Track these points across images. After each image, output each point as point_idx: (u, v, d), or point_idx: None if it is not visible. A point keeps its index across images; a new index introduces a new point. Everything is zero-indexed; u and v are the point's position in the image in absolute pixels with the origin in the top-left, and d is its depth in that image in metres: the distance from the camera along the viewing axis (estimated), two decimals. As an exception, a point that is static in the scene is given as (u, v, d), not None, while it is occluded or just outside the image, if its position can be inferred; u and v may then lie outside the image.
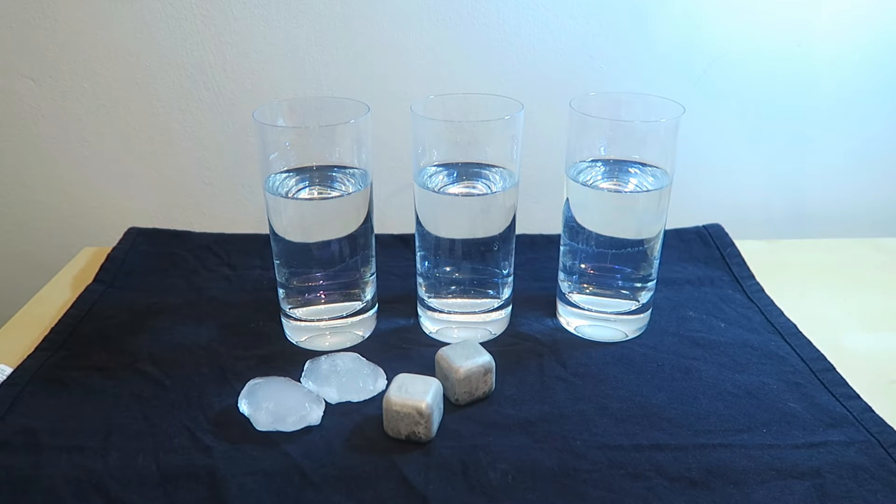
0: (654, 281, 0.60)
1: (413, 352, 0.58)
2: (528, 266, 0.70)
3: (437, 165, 0.57)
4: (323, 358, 0.55)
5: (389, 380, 0.52)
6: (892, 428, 0.49)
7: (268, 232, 0.58)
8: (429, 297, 0.60)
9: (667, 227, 0.59)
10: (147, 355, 0.58)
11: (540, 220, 0.76)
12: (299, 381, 0.53)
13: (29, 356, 0.57)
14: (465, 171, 0.56)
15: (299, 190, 0.56)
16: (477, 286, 0.59)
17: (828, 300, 0.66)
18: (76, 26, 0.72)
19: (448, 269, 0.58)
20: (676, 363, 0.57)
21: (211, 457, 0.47)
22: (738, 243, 0.73)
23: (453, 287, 0.59)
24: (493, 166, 0.56)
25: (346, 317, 0.59)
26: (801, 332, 0.60)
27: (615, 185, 0.57)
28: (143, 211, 0.81)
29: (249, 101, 0.76)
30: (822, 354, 0.57)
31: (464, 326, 0.60)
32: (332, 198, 0.56)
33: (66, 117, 0.76)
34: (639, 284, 0.59)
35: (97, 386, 0.54)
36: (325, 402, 0.52)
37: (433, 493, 0.45)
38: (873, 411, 0.51)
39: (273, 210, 0.56)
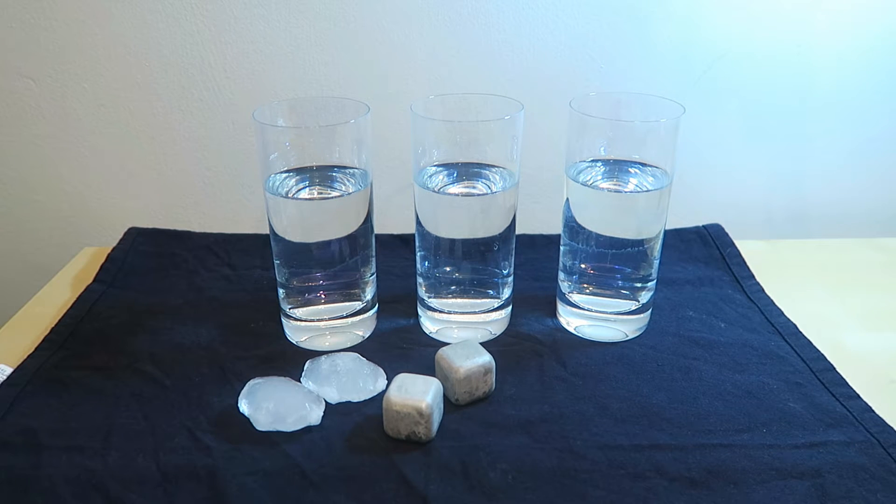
0: (654, 281, 0.60)
1: (413, 352, 0.58)
2: (528, 266, 0.70)
3: (437, 165, 0.57)
4: (323, 358, 0.55)
5: (389, 380, 0.52)
6: (892, 428, 0.49)
7: (268, 232, 0.58)
8: (429, 297, 0.60)
9: (667, 227, 0.59)
10: (147, 355, 0.58)
11: (540, 220, 0.76)
12: (299, 381, 0.53)
13: (29, 356, 0.57)
14: (465, 171, 0.56)
15: (299, 190, 0.56)
16: (477, 286, 0.59)
17: (828, 300, 0.66)
18: (76, 26, 0.72)
19: (448, 269, 0.58)
20: (676, 363, 0.57)
21: (211, 457, 0.47)
22: (738, 243, 0.73)
23: (453, 287, 0.59)
24: (493, 166, 0.56)
25: (346, 317, 0.59)
26: (801, 332, 0.60)
27: (615, 185, 0.57)
28: (143, 211, 0.81)
29: (249, 101, 0.76)
30: (822, 354, 0.57)
31: (464, 326, 0.60)
32: (332, 198, 0.56)
33: (66, 117, 0.76)
34: (639, 284, 0.59)
35: (97, 386, 0.54)
36: (325, 402, 0.52)
37: (433, 493, 0.45)
38: (873, 411, 0.51)
39: (273, 210, 0.56)
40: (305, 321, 0.59)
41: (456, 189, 0.56)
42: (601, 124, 0.56)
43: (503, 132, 0.55)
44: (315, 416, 0.50)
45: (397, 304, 0.64)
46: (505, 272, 0.59)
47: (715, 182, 0.82)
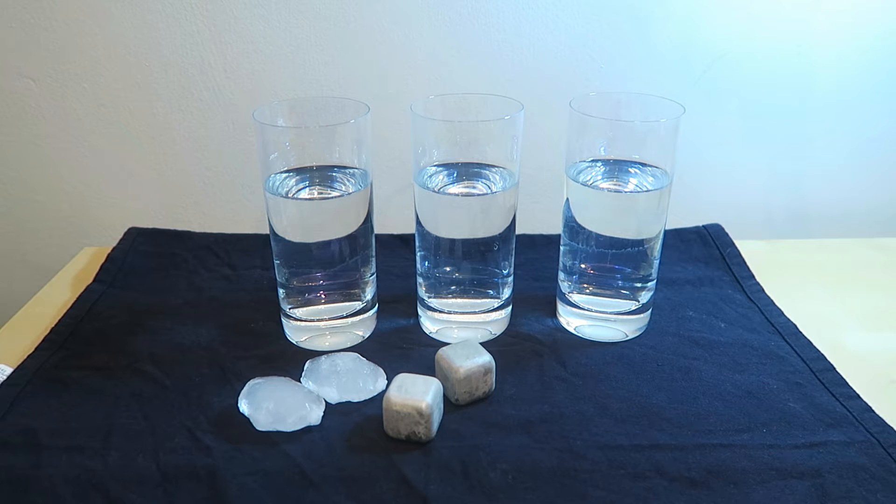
0: (654, 281, 0.60)
1: (413, 352, 0.58)
2: (528, 266, 0.70)
3: (437, 165, 0.57)
4: (323, 358, 0.55)
5: (389, 380, 0.52)
6: (892, 428, 0.49)
7: (268, 232, 0.58)
8: (429, 297, 0.60)
9: (667, 227, 0.59)
10: (147, 355, 0.58)
11: (540, 220, 0.76)
12: (299, 381, 0.53)
13: (29, 356, 0.57)
14: (465, 171, 0.56)
15: (299, 190, 0.56)
16: (477, 286, 0.59)
17: (828, 300, 0.66)
18: (76, 26, 0.72)
19: (448, 269, 0.58)
20: (676, 363, 0.57)
21: (211, 457, 0.47)
22: (738, 243, 0.73)
23: (453, 287, 0.59)
24: (493, 166, 0.56)
25: (346, 317, 0.59)
26: (801, 332, 0.60)
27: (615, 185, 0.57)
28: (144, 211, 0.81)
29: (249, 101, 0.76)
30: (822, 354, 0.57)
31: (464, 326, 0.60)
32: (332, 198, 0.56)
33: (66, 117, 0.76)
34: (639, 284, 0.59)
35: (97, 386, 0.54)
36: (325, 402, 0.52)
37: (433, 493, 0.45)
38: (873, 411, 0.51)
39: (273, 210, 0.56)
40: (305, 321, 0.59)
41: (456, 189, 0.56)
42: (601, 124, 0.56)
43: (503, 132, 0.55)
44: (315, 416, 0.50)
45: (397, 304, 0.64)
46: (505, 272, 0.59)
47: (715, 182, 0.82)
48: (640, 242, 0.57)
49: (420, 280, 0.60)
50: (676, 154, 0.56)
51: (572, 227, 0.58)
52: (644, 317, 0.61)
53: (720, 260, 0.72)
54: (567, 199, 0.58)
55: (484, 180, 0.56)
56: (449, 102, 0.58)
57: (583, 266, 0.59)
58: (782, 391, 0.53)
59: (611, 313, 0.59)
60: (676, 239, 0.74)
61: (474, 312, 0.60)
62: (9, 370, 0.55)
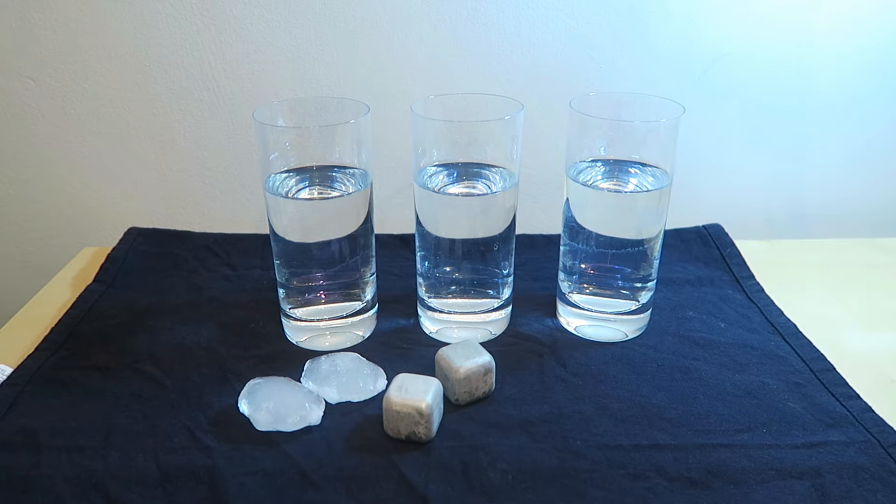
0: (654, 281, 0.60)
1: (413, 352, 0.58)
2: (528, 266, 0.70)
3: (437, 165, 0.57)
4: (323, 358, 0.55)
5: (389, 380, 0.52)
6: (892, 428, 0.49)
7: (268, 232, 0.58)
8: (429, 297, 0.60)
9: (667, 227, 0.59)
10: (147, 355, 0.58)
11: (540, 220, 0.76)
12: (299, 381, 0.53)
13: (29, 356, 0.57)
14: (465, 171, 0.56)
15: (299, 190, 0.56)
16: (477, 286, 0.59)
17: (828, 300, 0.66)
18: (76, 26, 0.72)
19: (448, 269, 0.58)
20: (676, 363, 0.57)
21: (211, 457, 0.47)
22: (738, 243, 0.73)
23: (453, 287, 0.59)
24: (493, 166, 0.56)
25: (346, 317, 0.59)
26: (801, 332, 0.60)
27: (615, 185, 0.57)
28: (143, 211, 0.81)
29: (249, 101, 0.76)
30: (822, 354, 0.57)
31: (464, 326, 0.60)
32: (332, 198, 0.56)
33: (66, 117, 0.76)
34: (639, 284, 0.59)
35: (97, 386, 0.54)
36: (325, 402, 0.52)
37: (433, 493, 0.45)
38: (873, 411, 0.51)
39: (273, 210, 0.56)
40: (305, 321, 0.59)
41: (456, 189, 0.56)
42: (601, 124, 0.56)
43: (503, 132, 0.55)
44: (315, 416, 0.50)
45: (397, 304, 0.64)
46: (505, 272, 0.59)
47: (715, 182, 0.82)
48: (640, 242, 0.57)
49: (420, 280, 0.60)
50: (676, 154, 0.56)
51: (572, 227, 0.58)
52: (644, 317, 0.61)
53: (720, 260, 0.72)
54: (567, 199, 0.58)
55: (484, 180, 0.56)
56: (449, 102, 0.58)
57: (583, 266, 0.59)
58: (782, 391, 0.53)
59: (611, 313, 0.59)
60: (676, 239, 0.74)
61: (474, 312, 0.60)
62: (9, 370, 0.55)
